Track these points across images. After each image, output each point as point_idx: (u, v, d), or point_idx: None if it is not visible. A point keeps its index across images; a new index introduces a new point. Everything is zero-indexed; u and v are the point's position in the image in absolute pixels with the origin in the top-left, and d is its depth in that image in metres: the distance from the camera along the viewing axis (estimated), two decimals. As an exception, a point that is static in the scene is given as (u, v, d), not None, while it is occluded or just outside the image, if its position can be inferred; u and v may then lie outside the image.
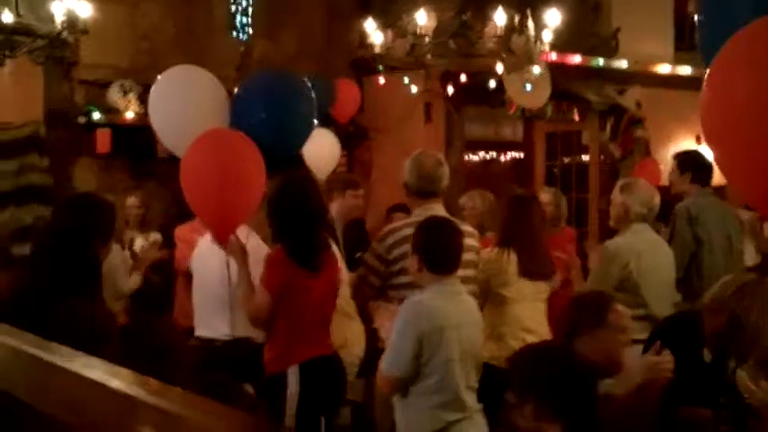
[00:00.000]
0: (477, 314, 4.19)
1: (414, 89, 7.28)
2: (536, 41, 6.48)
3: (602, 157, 10.65)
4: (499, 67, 6.40)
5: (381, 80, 7.01)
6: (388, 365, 4.03)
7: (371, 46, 6.77)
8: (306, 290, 4.45)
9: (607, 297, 4.22)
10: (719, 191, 6.18)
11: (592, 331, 4.06)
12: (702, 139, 10.73)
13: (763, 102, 2.31)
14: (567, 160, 11.28)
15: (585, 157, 11.07)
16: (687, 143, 10.80)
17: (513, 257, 5.13)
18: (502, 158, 13.36)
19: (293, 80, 5.19)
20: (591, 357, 4.05)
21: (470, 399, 4.04)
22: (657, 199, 5.33)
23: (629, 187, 5.36)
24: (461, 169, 9.69)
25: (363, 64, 9.10)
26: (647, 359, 3.76)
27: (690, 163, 5.94)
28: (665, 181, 9.72)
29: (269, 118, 4.76)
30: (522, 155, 11.90)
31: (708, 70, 2.54)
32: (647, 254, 5.20)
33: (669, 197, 6.24)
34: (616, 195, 5.38)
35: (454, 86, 8.05)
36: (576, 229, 8.71)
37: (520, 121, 10.90)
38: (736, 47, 2.47)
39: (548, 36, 6.58)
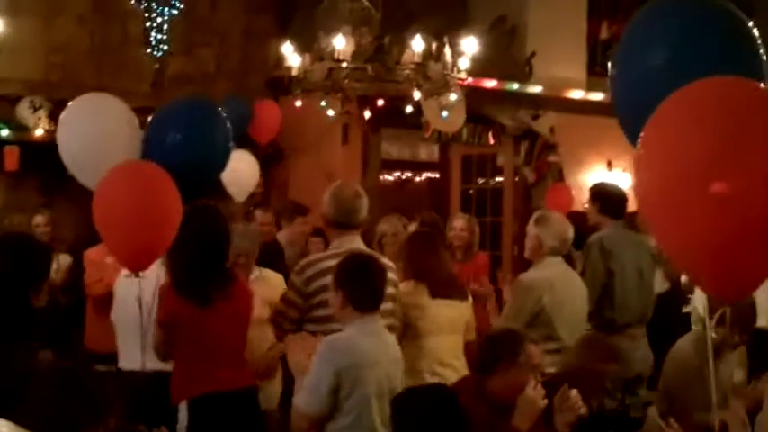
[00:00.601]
0: (396, 351, 4.17)
1: (331, 113, 7.26)
2: (453, 69, 6.51)
3: (516, 180, 10.77)
4: (416, 94, 6.42)
5: (298, 103, 6.96)
6: (304, 402, 3.98)
7: (289, 69, 6.72)
8: (197, 324, 4.42)
9: (520, 336, 4.26)
10: (630, 218, 6.31)
11: (505, 369, 4.12)
12: (613, 165, 11.02)
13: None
14: (482, 182, 11.39)
15: (500, 180, 11.20)
16: (599, 168, 11.02)
17: (423, 287, 5.13)
18: (418, 179, 13.44)
19: (208, 108, 5.12)
20: (502, 394, 4.10)
21: None
22: (571, 232, 5.42)
23: (543, 221, 5.44)
24: (378, 190, 9.71)
25: (280, 84, 9.07)
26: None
27: (598, 194, 6.06)
28: (576, 206, 9.90)
29: (186, 149, 4.69)
30: (437, 176, 11.99)
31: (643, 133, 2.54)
32: (559, 287, 5.27)
33: (584, 224, 6.35)
34: (531, 228, 5.45)
35: (371, 110, 8.07)
36: (489, 254, 8.82)
37: (436, 143, 10.98)
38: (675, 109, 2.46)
39: (464, 63, 6.63)
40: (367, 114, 8.05)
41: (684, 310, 8.68)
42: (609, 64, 3.22)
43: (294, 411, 4.03)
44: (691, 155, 2.27)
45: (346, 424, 3.94)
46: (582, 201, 10.22)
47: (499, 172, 11.18)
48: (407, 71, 6.32)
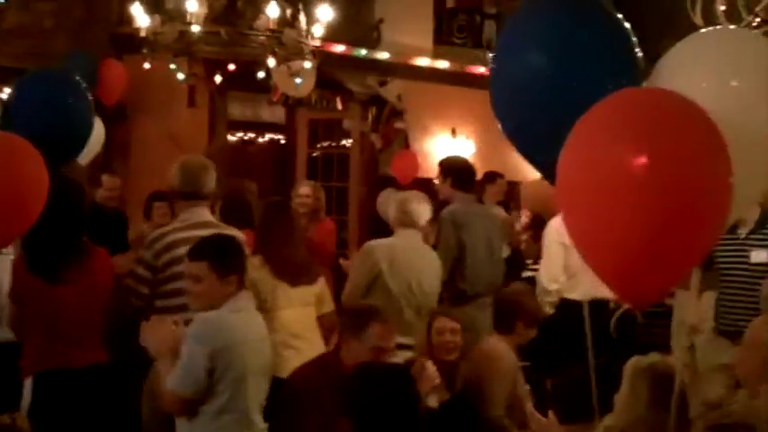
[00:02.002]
0: (264, 328, 4.11)
1: (181, 76, 7.09)
2: (307, 35, 6.46)
3: (363, 145, 10.82)
4: (271, 61, 6.34)
5: (147, 65, 6.76)
6: (178, 385, 3.83)
7: (137, 29, 6.51)
8: (45, 300, 4.30)
9: (367, 313, 4.30)
10: (476, 191, 6.47)
11: (347, 343, 4.16)
12: (457, 132, 11.22)
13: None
14: (328, 146, 11.39)
15: (347, 144, 11.23)
16: (443, 135, 11.20)
17: (268, 268, 5.11)
18: (263, 142, 13.32)
19: (70, 78, 4.95)
20: (351, 368, 4.13)
21: (258, 418, 3.96)
22: (416, 206, 5.51)
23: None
24: (225, 153, 9.57)
25: (124, 41, 8.78)
26: None
27: (450, 169, 6.16)
28: (422, 173, 10.05)
29: (50, 122, 4.52)
30: (283, 139, 11.92)
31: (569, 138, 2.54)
32: (402, 257, 5.35)
33: (433, 193, 6.45)
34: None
35: (222, 74, 7.92)
36: (335, 219, 8.86)
37: (284, 106, 10.89)
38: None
39: (318, 31, 6.59)
40: (218, 78, 7.88)
41: (524, 275, 9.05)
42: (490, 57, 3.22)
43: (168, 395, 3.89)
44: (609, 165, 2.31)
45: (219, 405, 3.80)
46: (427, 167, 10.41)
47: (346, 137, 11.20)
48: (262, 37, 6.23)
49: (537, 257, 9.64)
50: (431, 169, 10.68)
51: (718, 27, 3.37)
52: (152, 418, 4.51)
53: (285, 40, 6.30)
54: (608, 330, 6.37)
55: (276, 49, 6.24)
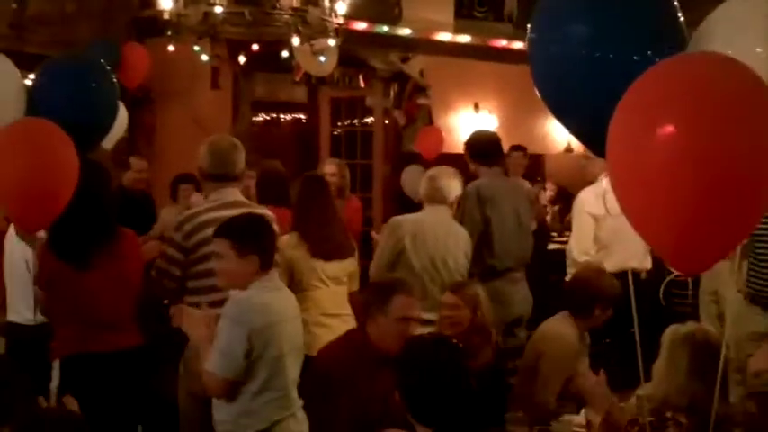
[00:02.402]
0: (297, 306, 4.12)
1: (205, 58, 7.11)
2: (330, 13, 6.45)
3: (386, 122, 10.81)
4: (295, 40, 6.34)
5: (171, 48, 6.77)
6: (219, 368, 3.84)
7: (161, 11, 6.51)
8: (73, 286, 4.32)
9: (390, 285, 4.29)
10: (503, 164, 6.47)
11: (373, 317, 4.16)
12: (480, 107, 11.18)
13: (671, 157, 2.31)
14: (351, 124, 11.39)
15: (370, 121, 11.22)
16: (467, 111, 11.18)
17: (304, 246, 5.14)
18: (285, 121, 13.33)
19: (96, 64, 4.96)
20: (379, 344, 4.14)
21: (295, 395, 3.96)
22: (444, 182, 5.50)
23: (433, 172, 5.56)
24: (249, 135, 9.59)
25: (146, 25, 8.79)
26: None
27: (471, 144, 6.15)
28: (446, 148, 10.04)
29: (76, 107, 4.52)
30: (305, 118, 11.94)
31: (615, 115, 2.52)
32: (428, 233, 5.33)
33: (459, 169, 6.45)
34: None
35: (246, 55, 7.92)
36: (360, 196, 8.87)
37: (305, 85, 10.89)
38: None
39: (342, 8, 6.58)
40: (242, 59, 7.88)
41: (549, 248, 9.05)
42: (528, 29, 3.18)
43: (209, 377, 3.90)
44: (660, 136, 2.30)
45: (259, 385, 3.81)
46: (451, 143, 10.39)
47: (369, 114, 11.19)
48: (286, 16, 6.22)
49: (562, 230, 9.67)
50: (455, 145, 10.69)
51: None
52: (189, 400, 4.53)
53: (309, 19, 6.29)
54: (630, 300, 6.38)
55: (300, 28, 6.22)
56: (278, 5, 6.31)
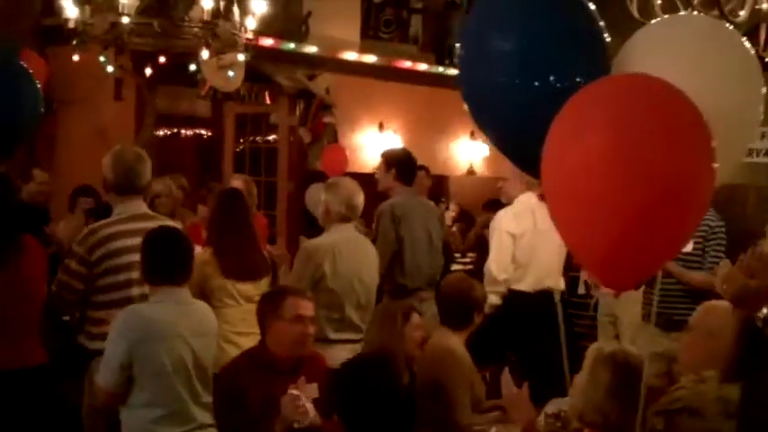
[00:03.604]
0: (208, 324, 4.07)
1: (110, 68, 6.96)
2: (241, 28, 6.39)
3: (291, 140, 10.75)
4: (204, 53, 6.25)
5: (76, 57, 6.59)
6: (101, 379, 3.88)
7: (66, 19, 6.34)
8: None
9: (281, 290, 4.31)
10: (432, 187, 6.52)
11: (270, 326, 4.16)
12: (385, 126, 11.23)
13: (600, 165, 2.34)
14: (256, 141, 11.30)
15: (274, 139, 11.14)
16: (372, 130, 11.20)
17: (217, 265, 5.08)
18: (190, 136, 13.17)
19: (18, 67, 4.83)
20: (279, 353, 4.12)
21: (199, 412, 3.92)
22: (359, 198, 5.44)
23: (332, 187, 5.46)
24: (152, 147, 9.41)
25: (49, 33, 8.58)
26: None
27: (395, 160, 6.15)
28: (351, 167, 10.03)
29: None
30: (210, 133, 11.82)
31: (552, 128, 2.53)
32: (344, 254, 5.28)
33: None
34: (322, 194, 5.48)
35: (152, 67, 7.79)
36: (264, 213, 8.79)
37: (210, 101, 10.77)
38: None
39: (252, 23, 6.52)
40: (148, 71, 7.75)
41: (452, 268, 9.13)
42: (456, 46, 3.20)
43: (97, 389, 3.93)
44: (591, 152, 2.33)
45: (145, 399, 3.85)
46: (355, 161, 10.41)
47: (274, 131, 11.12)
48: (196, 29, 6.13)
49: (465, 250, 9.77)
50: (360, 163, 10.72)
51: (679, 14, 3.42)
52: (92, 415, 4.45)
53: (219, 32, 6.20)
54: (553, 319, 6.49)
55: (210, 41, 6.14)
56: (187, 18, 6.22)
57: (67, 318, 4.78)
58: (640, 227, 2.30)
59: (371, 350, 4.48)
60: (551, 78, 2.78)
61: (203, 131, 12.30)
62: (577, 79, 2.68)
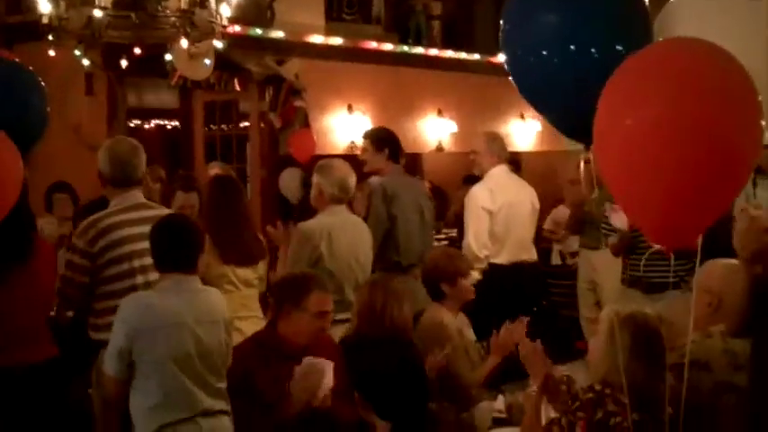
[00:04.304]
0: (217, 312, 4.08)
1: (86, 62, 6.92)
2: (216, 16, 6.39)
3: (261, 125, 10.75)
4: (184, 42, 6.24)
5: (52, 53, 6.56)
6: (105, 365, 3.92)
7: (40, 16, 6.30)
8: None
9: (307, 280, 4.33)
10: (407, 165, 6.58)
11: (288, 313, 4.19)
12: (354, 108, 11.26)
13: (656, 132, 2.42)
14: (226, 129, 11.28)
15: (244, 126, 11.14)
16: (341, 113, 11.24)
17: (215, 251, 5.11)
18: (159, 127, 13.12)
19: (26, 70, 4.82)
20: (291, 340, 4.17)
21: (205, 399, 3.95)
22: (352, 179, 5.50)
23: (323, 169, 5.50)
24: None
25: (15, 31, 8.52)
26: None
27: (386, 140, 6.20)
28: (319, 150, 10.08)
29: (11, 113, 4.40)
30: (178, 124, 11.78)
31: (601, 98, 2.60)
32: (339, 235, 5.35)
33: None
34: (313, 176, 5.52)
35: (127, 59, 7.76)
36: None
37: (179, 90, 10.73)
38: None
39: (227, 11, 6.52)
40: (124, 63, 7.72)
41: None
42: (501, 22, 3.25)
43: (105, 377, 3.96)
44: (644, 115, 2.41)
45: (149, 387, 3.87)
46: (324, 144, 10.46)
47: (244, 118, 11.12)
48: (173, 18, 6.12)
49: (438, 228, 9.86)
50: (331, 146, 10.76)
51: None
52: (103, 407, 4.48)
53: (197, 21, 6.19)
54: (525, 291, 6.62)
55: (189, 30, 6.13)
56: (161, 8, 6.20)
57: (71, 314, 4.78)
58: (697, 185, 2.39)
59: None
60: (597, 50, 2.86)
61: (173, 122, 12.25)
62: (620, 48, 2.77)
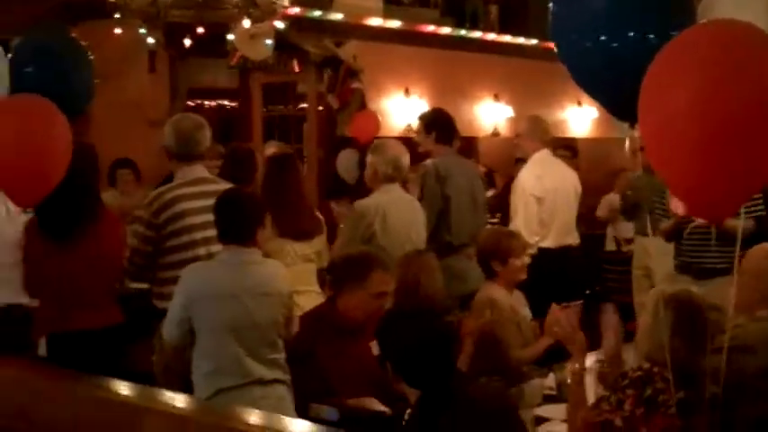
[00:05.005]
0: (272, 285, 4.16)
1: (151, 41, 7.09)
2: (274, -3, 6.53)
3: (320, 108, 10.87)
4: (246, 23, 6.38)
5: (118, 30, 6.75)
6: (165, 330, 4.04)
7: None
8: (54, 262, 4.41)
9: (370, 259, 4.41)
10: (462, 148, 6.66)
11: (350, 290, 4.26)
12: (410, 91, 11.33)
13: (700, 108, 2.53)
14: (284, 109, 11.43)
15: (303, 107, 11.27)
16: (398, 95, 11.32)
17: (272, 225, 5.22)
18: (218, 107, 13.31)
19: (71, 38, 4.99)
20: (351, 316, 4.26)
21: (258, 368, 4.03)
22: (405, 159, 5.59)
23: (378, 148, 5.61)
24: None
25: (79, 8, 8.72)
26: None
27: (434, 123, 6.28)
28: (380, 132, 10.16)
29: (59, 79, 4.56)
30: (236, 104, 11.95)
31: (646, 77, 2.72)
32: (394, 212, 5.44)
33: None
34: (368, 156, 5.63)
35: (191, 38, 7.91)
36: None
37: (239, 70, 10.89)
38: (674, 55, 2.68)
39: (289, -9, 6.66)
40: (187, 43, 7.88)
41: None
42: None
43: (164, 343, 4.09)
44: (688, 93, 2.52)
45: (205, 354, 3.98)
46: (384, 126, 10.53)
47: (302, 99, 11.24)
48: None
49: (493, 212, 9.90)
50: (388, 129, 10.84)
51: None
52: (166, 374, 4.61)
53: (259, 2, 6.34)
54: (572, 275, 6.66)
55: (251, 10, 6.28)
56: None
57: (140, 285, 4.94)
58: (735, 160, 2.47)
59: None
60: (641, 32, 2.96)
61: (231, 103, 12.42)
62: (670, 31, 2.85)
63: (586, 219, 8.68)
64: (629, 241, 9.05)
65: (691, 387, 3.13)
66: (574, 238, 6.88)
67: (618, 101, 3.09)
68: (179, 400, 2.82)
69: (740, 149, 2.46)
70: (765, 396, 3.35)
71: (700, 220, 5.36)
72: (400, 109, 11.26)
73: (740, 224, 5.15)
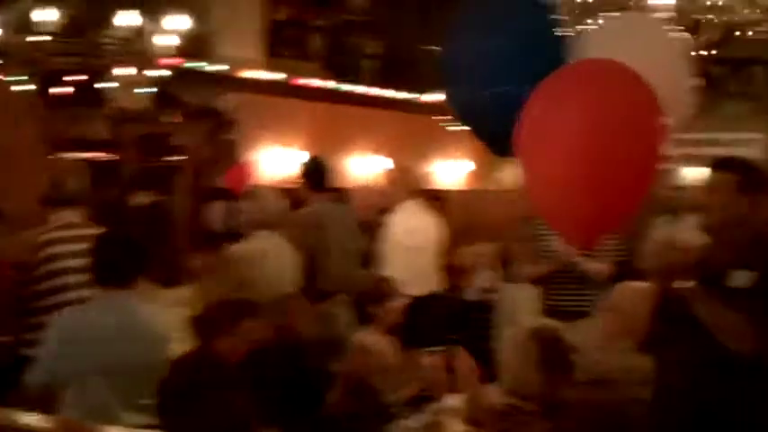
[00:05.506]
0: (147, 329, 4.08)
1: (32, 87, 7.01)
2: (155, 46, 6.56)
3: (193, 158, 10.80)
4: (128, 70, 6.39)
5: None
6: (29, 376, 3.92)
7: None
8: None
9: (243, 306, 4.42)
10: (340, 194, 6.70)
11: (222, 337, 4.28)
12: (290, 143, 11.39)
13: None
14: (158, 161, 11.30)
15: (179, 158, 11.18)
16: (276, 147, 11.40)
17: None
18: (92, 157, 13.06)
19: None
20: (223, 360, 4.27)
21: (128, 416, 3.86)
22: (280, 205, 5.65)
23: (251, 195, 5.67)
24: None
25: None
26: None
27: (309, 171, 6.35)
28: (260, 182, 10.18)
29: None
30: (111, 155, 11.76)
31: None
32: (267, 259, 5.46)
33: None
34: (242, 204, 5.66)
35: (63, 85, 7.85)
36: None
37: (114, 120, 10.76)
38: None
39: (173, 41, 6.70)
40: (60, 90, 7.81)
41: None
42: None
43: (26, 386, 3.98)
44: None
45: (72, 400, 3.86)
46: (261, 177, 10.57)
47: (178, 151, 11.16)
48: (114, 47, 6.27)
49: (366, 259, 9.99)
50: (265, 179, 10.87)
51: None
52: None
53: (135, 50, 6.36)
54: (438, 320, 6.78)
55: (129, 59, 6.29)
56: (106, 36, 6.35)
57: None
58: (606, 194, 2.69)
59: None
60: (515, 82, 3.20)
61: (104, 153, 12.23)
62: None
63: (451, 267, 8.86)
64: (490, 291, 9.24)
65: (554, 418, 3.27)
66: (437, 286, 6.99)
67: (498, 139, 3.30)
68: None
69: (605, 179, 2.67)
70: (629, 426, 3.52)
71: (567, 264, 5.58)
72: (278, 160, 11.35)
73: (602, 267, 5.43)
